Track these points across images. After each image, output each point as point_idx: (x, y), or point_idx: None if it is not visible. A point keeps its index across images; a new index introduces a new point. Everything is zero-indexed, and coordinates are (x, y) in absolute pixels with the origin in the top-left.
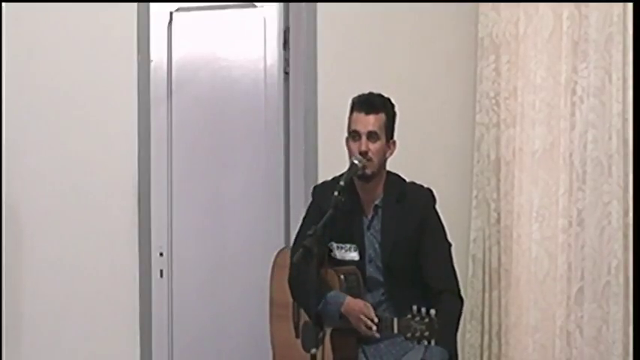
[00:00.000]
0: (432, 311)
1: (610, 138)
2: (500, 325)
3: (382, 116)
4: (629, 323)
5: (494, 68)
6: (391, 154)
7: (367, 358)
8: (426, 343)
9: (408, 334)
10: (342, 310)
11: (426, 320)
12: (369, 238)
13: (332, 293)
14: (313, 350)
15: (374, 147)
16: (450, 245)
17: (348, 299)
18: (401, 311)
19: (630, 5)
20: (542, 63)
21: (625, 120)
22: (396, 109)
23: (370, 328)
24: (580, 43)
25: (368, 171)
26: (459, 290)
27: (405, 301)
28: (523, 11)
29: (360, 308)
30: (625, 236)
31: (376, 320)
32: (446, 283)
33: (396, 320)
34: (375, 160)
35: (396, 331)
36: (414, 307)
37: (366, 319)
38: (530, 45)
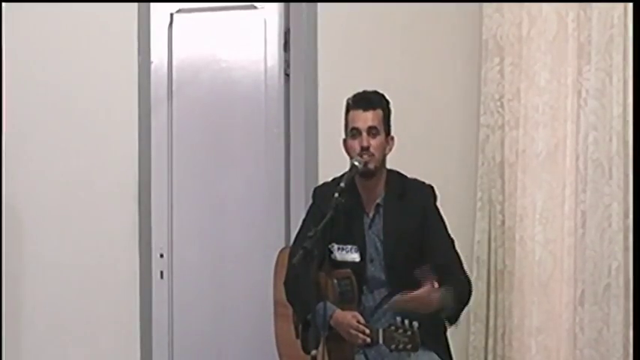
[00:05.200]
0: (415, 324)
1: (610, 140)
2: (505, 328)
3: (380, 112)
4: (630, 325)
5: (498, 70)
6: (390, 149)
7: None
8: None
9: (392, 346)
10: (331, 323)
11: (409, 333)
12: (370, 237)
13: (321, 304)
14: (313, 352)
15: (375, 142)
16: (453, 240)
17: (337, 312)
18: None
19: (630, 6)
20: (545, 65)
21: (625, 122)
22: (391, 105)
23: (364, 341)
24: (585, 45)
25: (371, 166)
26: (465, 274)
27: None
28: (527, 13)
29: (348, 322)
30: (625, 238)
31: (367, 331)
32: (451, 268)
33: (380, 331)
34: (377, 155)
35: (380, 341)
36: (398, 319)
37: (356, 332)
38: (534, 47)
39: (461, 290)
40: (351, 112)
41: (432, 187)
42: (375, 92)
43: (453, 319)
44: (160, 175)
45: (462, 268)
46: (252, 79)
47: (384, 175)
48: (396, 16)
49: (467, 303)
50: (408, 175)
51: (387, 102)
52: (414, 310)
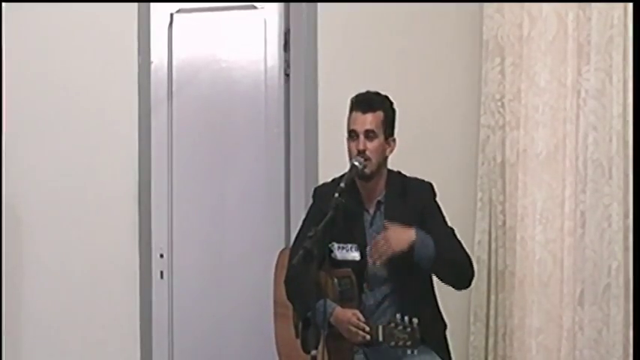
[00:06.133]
0: (415, 320)
1: (610, 140)
2: (505, 328)
3: (380, 114)
4: (629, 325)
5: (499, 70)
6: (391, 151)
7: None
8: (409, 352)
9: (392, 343)
10: (331, 320)
11: (409, 329)
12: (371, 235)
13: (321, 302)
14: (313, 352)
15: (372, 145)
16: (453, 229)
17: (337, 310)
18: (405, 305)
19: (630, 6)
20: (546, 65)
21: (625, 122)
22: (395, 106)
23: (364, 338)
24: (584, 45)
25: (367, 170)
26: (467, 254)
27: (410, 295)
28: (527, 13)
29: (348, 319)
30: (625, 238)
31: (367, 329)
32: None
33: (380, 328)
34: (374, 158)
35: (380, 339)
36: (398, 316)
37: (356, 329)
38: (535, 47)
39: (455, 252)
40: (352, 114)
41: (431, 184)
42: (377, 93)
43: (438, 272)
44: (160, 175)
45: (465, 251)
46: (252, 80)
47: (384, 176)
48: (396, 16)
49: (463, 272)
50: (408, 175)
51: (391, 103)
52: (389, 252)
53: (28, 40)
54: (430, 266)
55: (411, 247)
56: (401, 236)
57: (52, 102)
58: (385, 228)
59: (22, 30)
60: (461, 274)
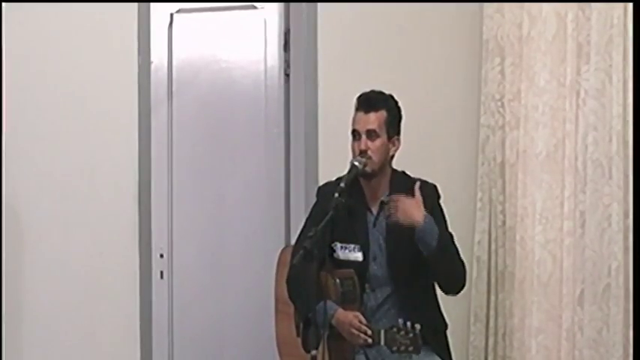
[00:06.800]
0: (417, 326)
1: (610, 140)
2: (505, 328)
3: (382, 113)
4: (629, 325)
5: (499, 70)
6: (396, 150)
7: None
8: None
9: (394, 347)
10: (333, 322)
11: (411, 335)
12: (374, 235)
13: (321, 304)
14: (313, 352)
15: (373, 145)
16: (452, 235)
17: (339, 312)
18: (407, 306)
19: (630, 6)
20: (545, 65)
21: (625, 122)
22: (400, 104)
23: (365, 341)
24: (584, 45)
25: (368, 169)
26: (463, 262)
27: (411, 296)
28: (527, 13)
29: (349, 321)
30: (625, 238)
31: (369, 332)
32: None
33: (382, 332)
34: (376, 158)
35: (382, 343)
36: (400, 321)
37: (357, 332)
38: (534, 47)
39: (454, 254)
40: (355, 113)
41: (435, 186)
42: (381, 93)
43: (435, 265)
44: (160, 175)
45: (461, 259)
46: (252, 80)
47: (388, 176)
48: (396, 16)
49: (458, 275)
50: (412, 176)
51: (395, 102)
52: (392, 217)
53: (28, 40)
54: (429, 255)
55: (412, 228)
56: (410, 212)
57: (52, 102)
58: (412, 194)
59: (22, 30)
60: (455, 275)
